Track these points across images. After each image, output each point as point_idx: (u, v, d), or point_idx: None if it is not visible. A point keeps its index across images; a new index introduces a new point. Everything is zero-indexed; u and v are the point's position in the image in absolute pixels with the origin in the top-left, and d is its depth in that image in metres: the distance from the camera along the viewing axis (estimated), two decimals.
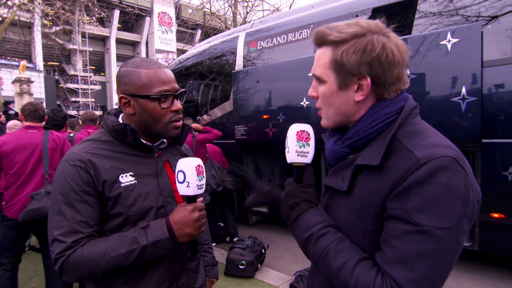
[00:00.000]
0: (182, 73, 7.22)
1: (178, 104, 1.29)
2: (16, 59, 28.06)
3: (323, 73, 0.97)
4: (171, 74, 1.29)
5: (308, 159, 1.04)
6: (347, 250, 0.88)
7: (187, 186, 1.19)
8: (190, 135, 4.73)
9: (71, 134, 4.66)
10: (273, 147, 5.68)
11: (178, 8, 40.80)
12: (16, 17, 14.48)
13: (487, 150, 3.59)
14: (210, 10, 16.80)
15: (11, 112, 9.16)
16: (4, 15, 12.84)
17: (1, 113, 8.37)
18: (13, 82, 19.22)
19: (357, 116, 0.96)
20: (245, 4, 16.35)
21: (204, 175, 1.23)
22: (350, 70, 0.91)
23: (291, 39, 5.30)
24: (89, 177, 1.17)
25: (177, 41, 39.40)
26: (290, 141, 1.04)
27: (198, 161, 1.22)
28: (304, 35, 5.12)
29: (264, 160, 6.25)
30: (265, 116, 5.27)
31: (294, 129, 1.04)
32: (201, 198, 1.27)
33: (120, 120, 1.33)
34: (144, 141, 1.30)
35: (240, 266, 3.99)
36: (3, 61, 28.71)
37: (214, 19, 17.55)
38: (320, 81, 0.98)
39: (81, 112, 33.37)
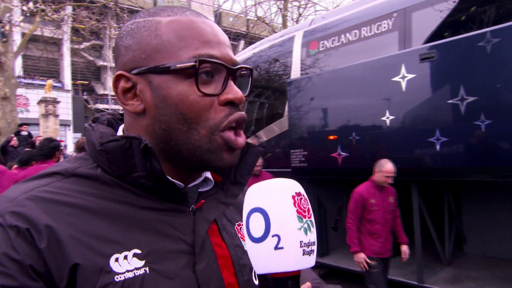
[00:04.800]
0: None
1: (237, 91, 0.69)
2: (44, 78, 29.74)
3: None
4: (221, 32, 0.73)
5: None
6: None
7: (276, 248, 0.58)
8: None
9: None
10: (342, 177, 5.41)
11: (218, 17, 41.95)
12: (39, 33, 14.98)
13: None
14: (256, 15, 16.82)
15: (23, 133, 9.42)
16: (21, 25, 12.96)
17: (13, 135, 8.57)
18: (38, 103, 20.16)
19: None
20: (297, 3, 16.16)
21: (313, 219, 0.64)
22: None
23: (366, 35, 4.98)
24: (35, 255, 0.57)
25: None
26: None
27: (295, 185, 0.64)
28: (384, 27, 4.78)
29: (329, 194, 5.98)
30: (331, 137, 4.98)
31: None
32: (309, 284, 0.64)
33: (120, 132, 0.76)
34: (169, 177, 0.69)
35: None
36: (29, 81, 30.46)
37: (259, 25, 17.59)
38: None
39: None
